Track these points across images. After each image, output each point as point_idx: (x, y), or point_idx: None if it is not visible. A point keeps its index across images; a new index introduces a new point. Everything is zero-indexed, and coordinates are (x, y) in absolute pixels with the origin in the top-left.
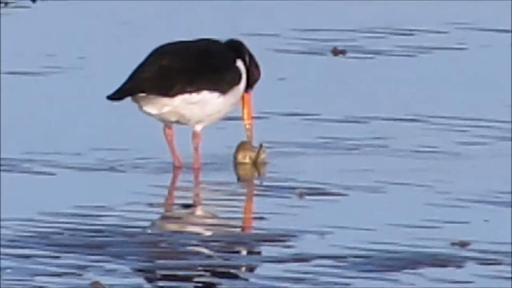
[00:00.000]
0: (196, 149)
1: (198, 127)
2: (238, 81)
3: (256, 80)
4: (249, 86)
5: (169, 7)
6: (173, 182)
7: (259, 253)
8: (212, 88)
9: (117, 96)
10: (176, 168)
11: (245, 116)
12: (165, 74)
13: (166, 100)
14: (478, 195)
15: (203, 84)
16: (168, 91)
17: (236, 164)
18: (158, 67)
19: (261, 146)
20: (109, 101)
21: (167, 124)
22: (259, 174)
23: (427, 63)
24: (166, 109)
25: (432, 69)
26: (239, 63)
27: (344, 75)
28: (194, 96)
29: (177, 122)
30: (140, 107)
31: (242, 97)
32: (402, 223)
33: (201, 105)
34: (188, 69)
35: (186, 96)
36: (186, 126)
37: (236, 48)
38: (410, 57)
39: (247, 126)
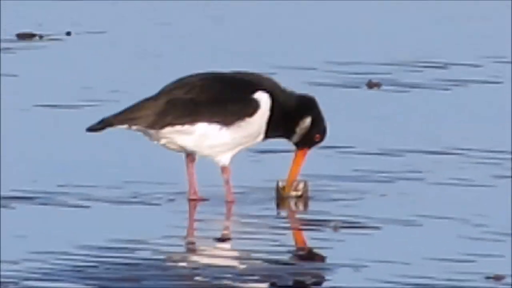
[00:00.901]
0: (226, 182)
1: (224, 161)
2: (250, 113)
3: (315, 142)
4: (306, 144)
5: (204, 39)
6: (190, 215)
7: (294, 287)
8: (211, 119)
9: (97, 126)
10: (190, 200)
11: (289, 172)
12: (157, 106)
13: (156, 132)
14: None
15: (197, 116)
16: (153, 125)
17: (280, 198)
18: (153, 101)
19: (305, 182)
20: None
21: (189, 154)
22: (304, 208)
23: (462, 96)
24: (163, 141)
25: (467, 103)
26: (259, 95)
27: (379, 108)
28: (188, 128)
29: (191, 153)
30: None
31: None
32: (437, 257)
33: (200, 137)
34: (186, 101)
35: (178, 127)
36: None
37: (305, 104)
38: (445, 90)
39: (288, 183)
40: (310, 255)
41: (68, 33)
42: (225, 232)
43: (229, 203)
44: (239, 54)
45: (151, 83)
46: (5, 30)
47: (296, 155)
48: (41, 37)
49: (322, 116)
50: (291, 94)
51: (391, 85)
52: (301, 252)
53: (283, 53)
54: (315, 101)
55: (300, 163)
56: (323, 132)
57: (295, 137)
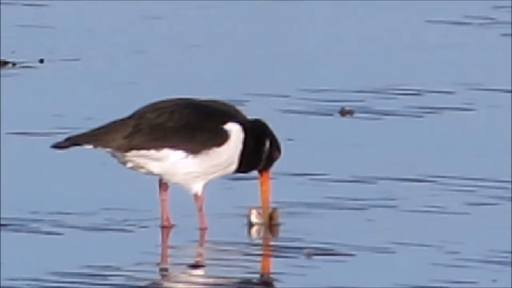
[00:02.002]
0: (200, 209)
1: (196, 189)
2: (218, 143)
3: (274, 161)
4: (268, 166)
5: (176, 68)
6: (164, 242)
7: None
8: (176, 146)
9: (63, 144)
10: (163, 228)
11: (263, 198)
12: (124, 129)
13: (121, 154)
14: (486, 255)
15: (163, 142)
16: (119, 147)
17: (250, 225)
18: (122, 122)
19: (274, 209)
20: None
21: (162, 182)
22: (273, 235)
23: (435, 123)
24: (129, 164)
25: (440, 130)
26: (230, 126)
27: (352, 136)
28: (154, 153)
29: (162, 178)
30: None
31: (260, 174)
32: (410, 284)
33: (166, 163)
34: (154, 126)
35: (143, 152)
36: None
37: (261, 128)
38: (418, 117)
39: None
40: (283, 282)
41: (41, 61)
42: (199, 258)
43: (202, 230)
44: (213, 81)
45: (125, 111)
46: None
47: (263, 180)
48: (14, 64)
49: (272, 131)
50: (252, 122)
51: (364, 112)
52: (274, 279)
53: (256, 80)
54: (263, 121)
55: (269, 186)
56: (279, 148)
57: (262, 163)
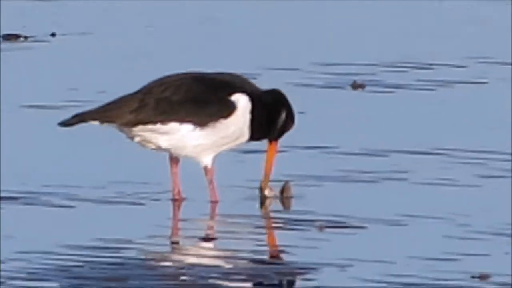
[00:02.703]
0: (210, 182)
1: (206, 162)
2: (225, 115)
3: (288, 130)
4: (279, 137)
5: (189, 41)
6: (174, 215)
7: (279, 286)
8: (183, 119)
9: (70, 121)
10: (175, 200)
11: (267, 167)
12: (130, 104)
13: (128, 130)
14: (497, 228)
15: (170, 115)
16: (126, 122)
17: (262, 198)
18: (128, 98)
19: (287, 182)
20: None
21: (173, 155)
22: (285, 208)
23: (446, 97)
24: (137, 139)
25: (452, 103)
26: (237, 97)
27: (364, 109)
28: (160, 127)
29: (169, 152)
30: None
31: (269, 143)
32: (422, 256)
33: (174, 136)
34: (160, 99)
35: (150, 126)
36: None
37: (278, 99)
38: (430, 91)
39: (266, 177)
40: (295, 255)
41: (53, 34)
42: (210, 231)
43: (213, 203)
44: (224, 54)
45: (138, 84)
46: None
47: (271, 148)
48: (26, 38)
49: (289, 103)
50: (265, 93)
51: (376, 85)
52: (286, 252)
53: (268, 54)
54: (282, 92)
55: (275, 155)
56: (294, 120)
57: (275, 133)
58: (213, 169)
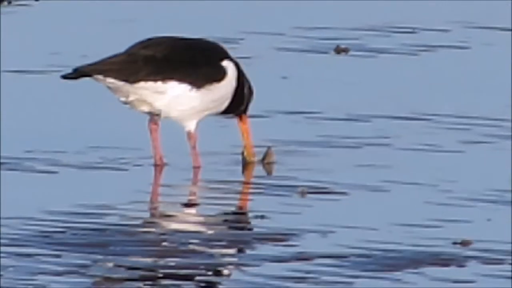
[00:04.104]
0: (193, 148)
1: (190, 127)
2: (218, 79)
3: (249, 101)
4: (246, 109)
5: (171, 6)
6: (155, 181)
7: (260, 252)
8: (182, 79)
9: (72, 75)
10: (156, 166)
11: (247, 141)
12: (131, 61)
13: (128, 86)
14: (480, 194)
15: (170, 74)
16: (128, 77)
17: (244, 163)
18: (128, 54)
19: (269, 148)
20: (65, 80)
21: (152, 118)
22: (268, 174)
23: (429, 61)
24: (132, 97)
25: (434, 68)
26: (227, 63)
27: (347, 74)
28: (160, 85)
29: (152, 113)
30: (114, 95)
31: (240, 118)
32: (404, 222)
33: (169, 96)
34: (159, 58)
35: (150, 84)
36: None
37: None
38: (413, 55)
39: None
40: (277, 221)
41: None
42: (192, 197)
43: (195, 168)
44: (208, 19)
45: (120, 48)
46: None
47: (243, 125)
48: (9, 2)
49: (245, 75)
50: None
51: (359, 50)
52: (268, 218)
53: (251, 18)
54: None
55: (249, 130)
56: (253, 91)
57: (243, 107)
58: (196, 135)
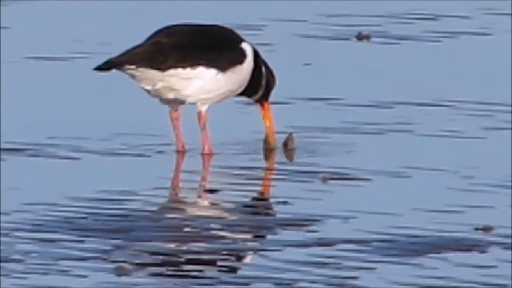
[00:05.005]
0: (203, 129)
1: (202, 107)
2: (240, 61)
3: (271, 88)
4: (268, 96)
5: None
6: (177, 167)
7: (282, 237)
8: (209, 64)
9: (104, 66)
10: (178, 153)
11: (269, 128)
12: (159, 49)
13: (158, 74)
14: (502, 180)
15: (198, 59)
16: (160, 65)
17: (265, 150)
18: (154, 43)
19: (290, 134)
20: (97, 72)
21: (173, 106)
22: (289, 160)
23: (451, 48)
24: (160, 84)
25: (456, 54)
26: (245, 46)
27: (369, 61)
28: (189, 71)
29: (176, 100)
30: (138, 84)
31: (262, 105)
32: (426, 208)
33: (198, 81)
34: (184, 45)
35: (179, 70)
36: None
37: (258, 54)
38: (435, 42)
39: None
40: (299, 207)
41: None
42: (213, 183)
43: (205, 155)
44: (230, 6)
45: (143, 35)
46: None
47: (265, 112)
48: None
49: (266, 62)
50: None
51: (381, 37)
52: (290, 203)
53: (273, 5)
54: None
55: (272, 117)
56: (274, 76)
57: (261, 91)
58: (207, 115)
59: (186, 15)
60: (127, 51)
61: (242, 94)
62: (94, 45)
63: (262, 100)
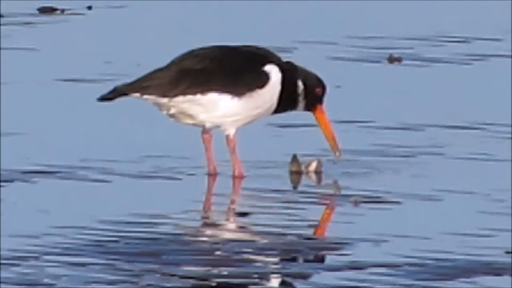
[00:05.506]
0: (232, 153)
1: (230, 131)
2: (261, 85)
3: (321, 96)
4: (315, 102)
5: (226, 13)
6: (208, 190)
7: (314, 261)
8: (222, 89)
9: (110, 95)
10: (210, 175)
11: (325, 135)
12: (169, 76)
13: (167, 101)
14: None
15: (210, 85)
16: (166, 92)
17: (291, 173)
18: (165, 69)
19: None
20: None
21: (205, 128)
22: (318, 183)
23: (482, 70)
24: (173, 110)
25: (487, 77)
26: (270, 68)
27: (400, 83)
28: (200, 97)
29: (196, 124)
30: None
31: (313, 113)
32: (457, 231)
33: (211, 107)
34: (197, 69)
35: (189, 97)
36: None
37: (290, 70)
38: (465, 64)
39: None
40: (330, 230)
41: (89, 7)
42: (244, 206)
43: (237, 178)
44: (262, 28)
45: (173, 57)
46: (27, 4)
47: (316, 117)
48: (62, 11)
49: (305, 70)
50: (286, 64)
51: (412, 59)
52: (321, 227)
53: (304, 28)
54: (293, 62)
55: (326, 121)
56: (319, 82)
57: (302, 103)
58: (236, 138)
59: (220, 37)
60: (137, 79)
61: (281, 111)
62: (124, 67)
63: (310, 109)
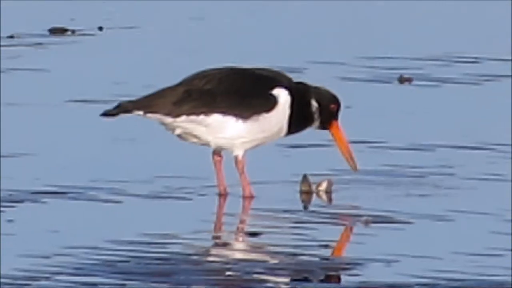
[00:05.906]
0: (241, 174)
1: (238, 152)
2: (267, 109)
3: (336, 112)
4: (331, 119)
5: (235, 35)
6: (219, 210)
7: (325, 281)
8: (227, 112)
9: (113, 111)
10: (220, 196)
11: (342, 151)
12: (175, 95)
13: (171, 120)
14: None
15: (214, 106)
16: (169, 112)
17: (301, 193)
18: (172, 89)
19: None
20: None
21: (215, 149)
22: (328, 203)
23: (492, 91)
24: (178, 131)
25: (498, 97)
26: (278, 91)
27: (411, 103)
28: (203, 118)
29: (203, 145)
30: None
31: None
32: (468, 252)
33: (216, 128)
34: (203, 91)
35: (193, 117)
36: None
37: (302, 90)
38: (476, 85)
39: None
40: (341, 250)
41: (100, 28)
42: (255, 226)
43: (246, 198)
44: (272, 49)
45: (183, 78)
46: (38, 25)
47: (332, 133)
48: (73, 32)
49: (319, 88)
50: (297, 85)
51: (423, 80)
52: (332, 247)
53: (315, 48)
54: (304, 83)
55: (342, 137)
56: (333, 98)
57: (317, 121)
58: (244, 160)
59: (230, 58)
60: (141, 98)
61: (296, 132)
62: (135, 88)
63: (325, 126)
